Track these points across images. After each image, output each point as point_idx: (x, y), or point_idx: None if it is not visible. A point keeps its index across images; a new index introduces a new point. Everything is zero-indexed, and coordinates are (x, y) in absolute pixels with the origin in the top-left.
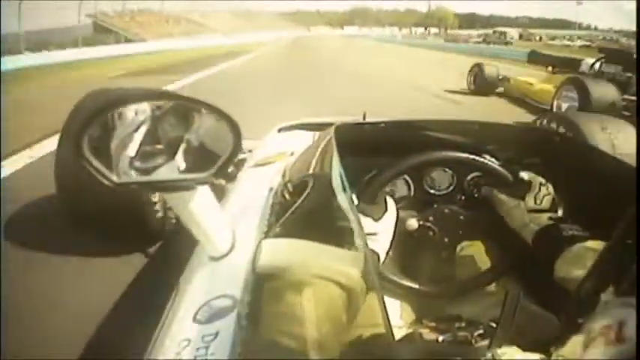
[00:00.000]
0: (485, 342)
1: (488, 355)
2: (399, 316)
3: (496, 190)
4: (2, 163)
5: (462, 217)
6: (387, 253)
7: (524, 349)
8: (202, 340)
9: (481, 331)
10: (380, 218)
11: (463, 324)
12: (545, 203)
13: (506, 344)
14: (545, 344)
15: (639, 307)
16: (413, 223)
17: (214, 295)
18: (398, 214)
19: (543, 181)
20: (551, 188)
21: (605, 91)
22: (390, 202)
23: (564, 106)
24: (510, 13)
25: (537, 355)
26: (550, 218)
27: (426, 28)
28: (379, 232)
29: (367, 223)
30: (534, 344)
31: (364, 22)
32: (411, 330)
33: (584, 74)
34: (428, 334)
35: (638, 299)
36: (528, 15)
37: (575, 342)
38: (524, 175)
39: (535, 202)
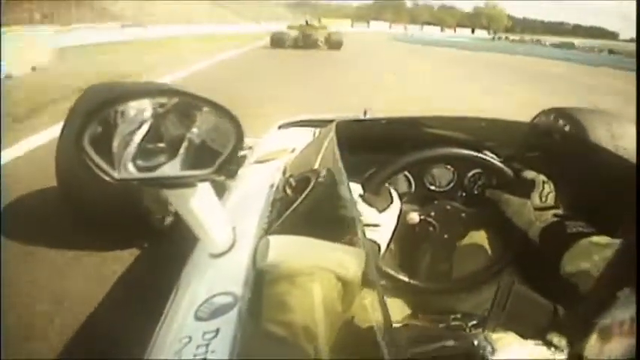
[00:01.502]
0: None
1: (482, 338)
2: None
3: (502, 191)
4: None
5: (463, 215)
6: (388, 244)
7: (520, 334)
8: (203, 338)
9: (475, 322)
10: (384, 210)
11: (459, 316)
12: (550, 200)
13: (502, 329)
14: (540, 330)
15: (639, 307)
16: (414, 216)
17: (215, 292)
18: (402, 207)
19: (546, 178)
20: (552, 186)
21: None
22: (395, 194)
23: None
24: (547, 18)
25: (532, 342)
26: (555, 215)
27: (472, 30)
28: (382, 223)
29: (371, 213)
30: (530, 330)
31: (397, 18)
32: (406, 323)
33: None
34: (423, 324)
35: (638, 299)
36: (566, 21)
37: (594, 341)
38: (527, 173)
39: (540, 200)
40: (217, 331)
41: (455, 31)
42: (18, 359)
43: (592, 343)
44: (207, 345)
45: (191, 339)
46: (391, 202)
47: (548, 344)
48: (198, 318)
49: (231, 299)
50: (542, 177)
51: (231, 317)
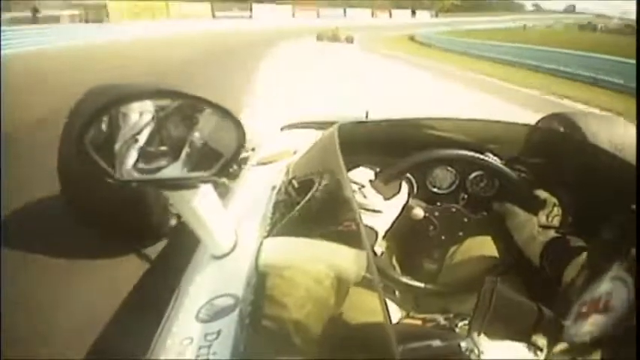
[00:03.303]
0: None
1: (469, 340)
2: None
3: (510, 203)
4: None
5: (465, 220)
6: (385, 234)
7: (506, 336)
8: (205, 339)
9: (465, 322)
10: (389, 198)
11: (450, 316)
12: (555, 222)
13: (487, 331)
14: (525, 331)
15: (639, 306)
16: (419, 212)
17: (217, 293)
18: (408, 201)
19: (557, 201)
20: (561, 210)
21: None
22: (405, 187)
23: None
24: None
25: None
26: (557, 231)
27: (413, 12)
28: (385, 211)
29: (376, 199)
30: (515, 331)
31: None
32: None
33: None
34: (411, 322)
35: (637, 299)
36: None
37: (561, 348)
38: (541, 193)
39: (547, 220)
40: (219, 332)
41: (390, 15)
42: (18, 359)
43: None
44: (208, 346)
45: (192, 340)
46: (398, 193)
47: (533, 346)
48: (199, 319)
49: (233, 301)
50: (554, 199)
51: (233, 319)
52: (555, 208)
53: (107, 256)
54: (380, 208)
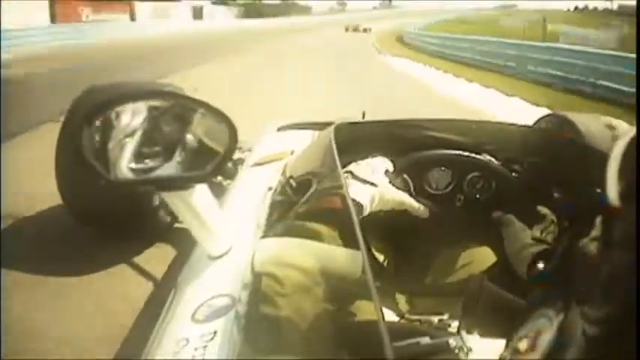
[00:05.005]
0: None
1: (458, 338)
2: None
3: (509, 213)
4: None
5: (462, 224)
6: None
7: (494, 333)
8: (200, 340)
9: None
10: (389, 181)
11: (444, 318)
12: (548, 238)
13: (476, 329)
14: (513, 329)
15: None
16: (424, 211)
17: (213, 294)
18: (411, 195)
19: (555, 219)
20: (557, 229)
21: None
22: (411, 185)
23: None
24: None
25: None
26: (548, 244)
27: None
28: (379, 185)
29: (378, 174)
30: (503, 329)
31: None
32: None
33: None
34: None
35: (638, 300)
36: None
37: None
38: (542, 209)
39: (541, 234)
40: (215, 333)
41: (133, 16)
42: (18, 359)
43: (522, 343)
44: (204, 347)
45: (188, 341)
46: (399, 181)
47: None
48: (195, 320)
49: (229, 301)
50: (552, 217)
51: (229, 319)
52: (552, 226)
53: (105, 256)
54: (375, 181)
